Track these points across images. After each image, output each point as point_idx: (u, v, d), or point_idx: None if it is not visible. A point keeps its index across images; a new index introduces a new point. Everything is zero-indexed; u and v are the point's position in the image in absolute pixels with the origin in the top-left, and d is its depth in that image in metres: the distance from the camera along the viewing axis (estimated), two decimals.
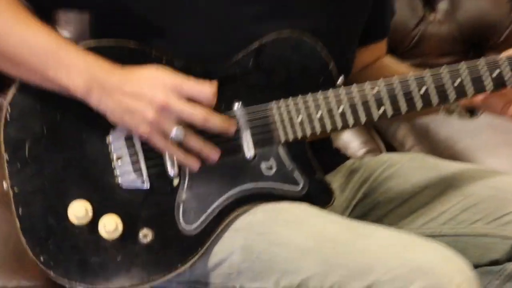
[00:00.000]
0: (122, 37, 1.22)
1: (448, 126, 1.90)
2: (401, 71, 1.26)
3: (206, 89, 1.16)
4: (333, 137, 1.47)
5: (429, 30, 2.06)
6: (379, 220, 1.34)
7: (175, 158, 1.19)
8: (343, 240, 1.13)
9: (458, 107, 1.31)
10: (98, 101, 1.15)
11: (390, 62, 1.50)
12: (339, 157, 1.47)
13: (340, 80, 1.24)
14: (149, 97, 1.13)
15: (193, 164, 1.19)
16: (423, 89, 1.22)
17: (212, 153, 1.19)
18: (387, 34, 1.48)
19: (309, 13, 1.26)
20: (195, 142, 1.17)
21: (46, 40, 1.17)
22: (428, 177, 1.34)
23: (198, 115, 1.15)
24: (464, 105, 1.31)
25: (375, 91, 1.22)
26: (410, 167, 1.37)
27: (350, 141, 1.94)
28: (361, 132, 1.96)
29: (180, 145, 1.16)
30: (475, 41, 2.11)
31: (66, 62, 1.15)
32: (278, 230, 1.16)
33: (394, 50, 1.54)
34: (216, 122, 1.17)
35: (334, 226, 1.16)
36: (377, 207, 1.36)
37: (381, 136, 1.99)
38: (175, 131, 1.14)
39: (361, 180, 1.40)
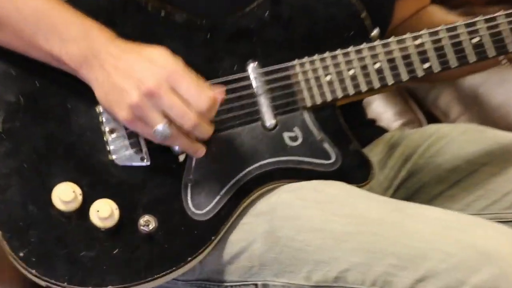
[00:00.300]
0: None
1: (501, 89, 1.88)
2: (449, 21, 1.24)
3: (205, 98, 1.12)
4: (364, 105, 1.46)
5: None
6: (427, 203, 1.28)
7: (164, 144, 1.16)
8: (389, 222, 1.11)
9: None
10: (89, 71, 1.14)
11: (435, 10, 1.48)
12: (374, 129, 1.45)
13: (375, 31, 1.23)
14: (138, 78, 1.12)
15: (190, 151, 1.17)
16: (476, 38, 1.20)
17: (198, 152, 1.17)
18: None
19: None
20: (182, 143, 1.15)
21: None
22: (486, 152, 1.33)
23: (189, 118, 1.12)
24: None
25: (418, 42, 1.20)
26: (463, 141, 1.36)
27: (382, 112, 1.92)
28: (395, 100, 1.94)
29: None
30: None
31: (59, 25, 1.14)
32: (309, 213, 1.14)
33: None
34: (204, 132, 1.14)
35: (376, 206, 1.14)
36: (424, 188, 1.35)
37: (420, 104, 1.97)
38: (161, 128, 1.12)
39: (403, 156, 1.38)
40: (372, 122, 1.47)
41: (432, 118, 1.94)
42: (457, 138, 1.36)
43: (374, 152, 1.39)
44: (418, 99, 1.98)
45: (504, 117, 1.86)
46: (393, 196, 1.36)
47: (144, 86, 1.11)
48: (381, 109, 1.92)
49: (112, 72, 1.13)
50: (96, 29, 1.15)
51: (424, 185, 1.35)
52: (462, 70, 1.26)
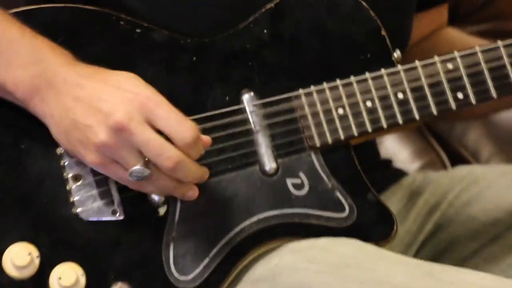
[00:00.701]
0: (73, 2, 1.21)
1: None
2: (471, 43, 1.26)
3: (188, 127, 1.12)
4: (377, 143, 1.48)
5: None
6: (460, 264, 1.32)
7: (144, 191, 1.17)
8: None
9: None
10: (42, 105, 1.14)
11: (457, 34, 1.52)
12: (390, 172, 1.46)
13: (397, 54, 1.24)
14: (105, 111, 1.11)
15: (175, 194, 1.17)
16: None
17: (189, 193, 1.17)
18: None
19: None
20: (165, 185, 1.15)
21: None
22: None
23: (170, 156, 1.11)
24: None
25: (449, 67, 1.22)
26: (502, 186, 1.37)
27: (397, 152, 1.93)
28: (412, 137, 1.95)
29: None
30: None
31: (3, 46, 1.14)
32: (320, 279, 1.14)
33: (453, 12, 1.56)
34: (189, 172, 1.14)
35: (403, 270, 1.13)
36: (455, 245, 1.35)
37: (442, 142, 1.98)
38: (137, 169, 1.11)
39: (428, 205, 1.39)
40: (387, 163, 1.48)
41: (458, 159, 1.95)
42: (495, 183, 1.38)
43: (391, 200, 1.40)
44: (440, 136, 1.99)
45: None
46: (418, 254, 1.37)
47: (112, 119, 1.10)
48: (395, 148, 1.93)
49: (71, 105, 1.12)
50: (48, 50, 1.14)
51: (455, 241, 1.36)
52: (493, 106, 1.30)
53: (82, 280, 1.13)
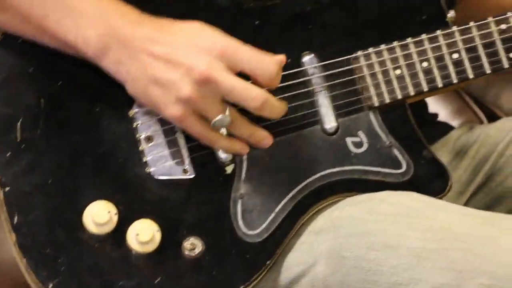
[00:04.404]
0: None
1: None
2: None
3: (269, 62, 1.15)
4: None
5: None
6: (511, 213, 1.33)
7: (216, 147, 1.19)
8: (479, 237, 1.12)
9: None
10: (115, 64, 1.14)
11: None
12: (438, 126, 1.47)
13: (451, 14, 1.25)
14: (187, 65, 1.12)
15: (242, 150, 1.20)
16: None
17: (265, 140, 1.19)
18: None
19: None
20: (246, 129, 1.18)
21: None
22: None
23: (256, 97, 1.13)
24: None
25: (502, 28, 1.23)
26: None
27: (435, 111, 1.90)
28: (449, 97, 1.93)
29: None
30: None
31: (71, 4, 1.14)
32: (380, 228, 1.15)
33: None
34: (274, 107, 1.16)
35: (462, 219, 1.15)
36: (507, 194, 1.37)
37: (477, 103, 1.96)
38: (221, 117, 1.13)
39: (479, 156, 1.40)
40: (434, 117, 1.49)
41: (494, 119, 1.85)
42: None
43: (441, 153, 1.41)
44: (475, 98, 1.98)
45: None
46: (469, 203, 1.39)
47: (196, 72, 1.12)
48: (434, 108, 1.84)
49: (148, 61, 1.13)
50: (114, 10, 1.15)
51: (506, 190, 1.37)
52: None
53: (158, 236, 1.16)
